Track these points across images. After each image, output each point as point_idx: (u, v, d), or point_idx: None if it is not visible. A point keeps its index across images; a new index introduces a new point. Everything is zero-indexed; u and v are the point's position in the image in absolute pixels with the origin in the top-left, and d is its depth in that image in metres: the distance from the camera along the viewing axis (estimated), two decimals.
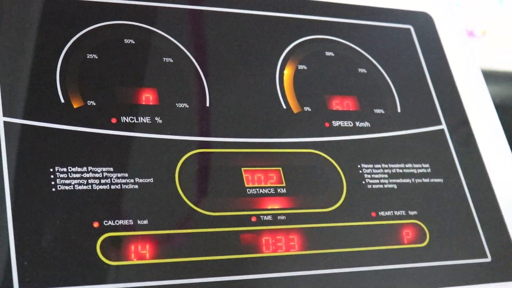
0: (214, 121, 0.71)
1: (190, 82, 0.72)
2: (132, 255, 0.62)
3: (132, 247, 0.62)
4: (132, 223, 0.63)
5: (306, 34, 0.79)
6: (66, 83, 0.66)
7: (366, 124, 0.77)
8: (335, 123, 0.76)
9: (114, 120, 0.67)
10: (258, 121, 0.72)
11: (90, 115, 0.66)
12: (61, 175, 0.62)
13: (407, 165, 0.76)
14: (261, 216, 0.68)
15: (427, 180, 0.77)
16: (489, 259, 0.75)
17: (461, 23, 0.89)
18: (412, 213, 0.74)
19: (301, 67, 0.77)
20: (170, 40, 0.73)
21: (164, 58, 0.72)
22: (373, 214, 0.72)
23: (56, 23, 0.69)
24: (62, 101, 0.65)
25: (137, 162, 0.66)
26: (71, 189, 0.62)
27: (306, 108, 0.75)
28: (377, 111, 0.78)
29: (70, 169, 0.63)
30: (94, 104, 0.66)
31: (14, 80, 0.64)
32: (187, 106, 0.70)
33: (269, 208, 0.69)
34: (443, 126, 0.81)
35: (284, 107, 0.74)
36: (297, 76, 0.77)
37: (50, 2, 0.69)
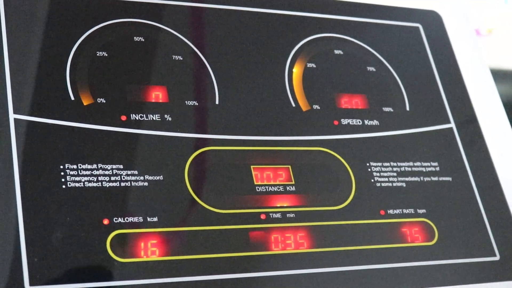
0: (223, 119, 0.71)
1: (200, 80, 0.72)
2: (142, 252, 0.62)
3: (142, 244, 0.62)
4: (142, 220, 0.63)
5: (315, 32, 0.79)
6: (76, 81, 0.66)
7: (375, 122, 0.77)
8: (344, 121, 0.76)
9: (124, 118, 0.67)
10: (267, 119, 0.72)
11: (100, 113, 0.66)
12: (71, 172, 0.62)
13: (415, 164, 0.77)
14: (270, 214, 0.68)
15: (435, 179, 0.77)
16: (497, 258, 0.75)
17: (469, 22, 0.89)
18: (420, 211, 0.74)
19: (310, 65, 0.77)
20: (179, 38, 0.73)
21: (174, 56, 0.72)
22: (382, 212, 0.73)
23: (65, 21, 0.69)
24: (72, 98, 0.66)
25: (146, 159, 0.66)
26: (81, 186, 0.62)
27: (315, 106, 0.75)
28: (386, 109, 0.78)
29: (80, 166, 0.63)
30: (104, 101, 0.67)
31: (24, 78, 0.65)
32: (197, 104, 0.70)
33: (278, 205, 0.69)
34: (452, 124, 0.81)
35: (293, 105, 0.74)
36: (306, 74, 0.77)
37: (59, 0, 0.69)
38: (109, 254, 0.61)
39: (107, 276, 0.60)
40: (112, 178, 0.64)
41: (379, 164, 0.75)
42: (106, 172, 0.64)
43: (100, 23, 0.70)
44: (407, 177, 0.75)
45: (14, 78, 0.64)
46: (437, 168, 0.77)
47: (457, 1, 0.90)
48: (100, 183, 0.63)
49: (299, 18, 0.79)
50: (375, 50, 0.81)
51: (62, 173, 0.62)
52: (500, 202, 0.78)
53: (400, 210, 0.73)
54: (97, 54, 0.69)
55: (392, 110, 0.79)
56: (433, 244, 0.73)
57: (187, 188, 0.66)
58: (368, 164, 0.74)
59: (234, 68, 0.74)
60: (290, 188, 0.70)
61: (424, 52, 0.84)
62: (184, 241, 0.64)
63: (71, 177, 0.62)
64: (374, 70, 0.80)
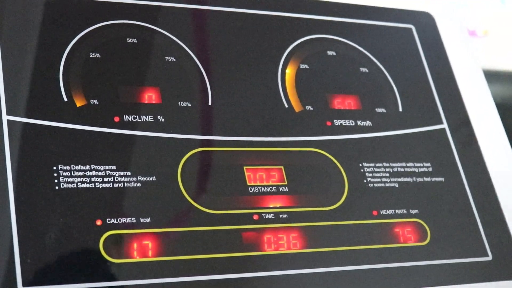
0: (216, 119, 0.71)
1: (193, 81, 0.72)
2: (135, 253, 0.62)
3: (135, 245, 0.62)
4: (135, 221, 0.63)
5: (308, 34, 0.80)
6: (69, 82, 0.67)
7: (368, 123, 0.77)
8: (337, 122, 0.76)
9: (117, 119, 0.67)
10: (260, 120, 0.72)
11: (93, 114, 0.66)
12: (64, 173, 0.63)
13: (408, 164, 0.77)
14: (263, 215, 0.68)
15: (428, 179, 0.77)
16: (490, 258, 0.75)
17: (462, 23, 0.90)
18: (413, 211, 0.74)
19: (303, 66, 0.78)
20: (172, 39, 0.73)
21: (167, 57, 0.72)
22: (375, 212, 0.73)
23: (59, 22, 0.69)
24: (65, 100, 0.66)
25: (139, 160, 0.66)
26: (74, 187, 0.62)
27: (308, 107, 0.75)
28: (379, 110, 0.79)
29: (73, 167, 0.63)
30: (97, 102, 0.67)
31: (18, 79, 0.65)
32: (190, 105, 0.70)
33: (271, 206, 0.69)
34: (445, 125, 0.81)
35: (286, 106, 0.74)
36: (299, 75, 0.77)
37: (53, 1, 0.69)
38: (102, 255, 0.61)
39: (100, 276, 0.60)
40: (105, 179, 0.64)
41: (372, 164, 0.75)
42: (99, 173, 0.64)
43: (93, 25, 0.70)
44: (400, 177, 0.76)
45: (8, 80, 0.64)
46: (430, 169, 0.78)
47: (450, 2, 0.90)
48: (93, 184, 0.63)
49: (292, 19, 0.79)
50: (368, 51, 0.82)
51: (55, 174, 0.62)
52: (493, 202, 0.78)
53: (393, 210, 0.74)
54: (90, 56, 0.69)
55: (384, 111, 0.79)
56: (426, 244, 0.73)
57: (180, 189, 0.66)
58: (360, 165, 0.75)
59: (227, 69, 0.74)
60: (282, 188, 0.70)
61: (417, 53, 0.84)
62: (177, 242, 0.64)
63: (64, 178, 0.62)
64: (367, 71, 0.81)
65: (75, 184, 0.63)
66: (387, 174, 0.75)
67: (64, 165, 0.63)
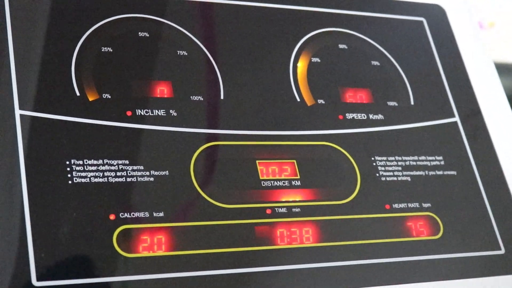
0: (228, 114, 0.71)
1: (204, 75, 0.72)
2: (148, 247, 0.62)
3: (148, 239, 0.62)
4: (148, 215, 0.63)
5: (319, 27, 0.79)
6: (82, 76, 0.66)
7: (380, 116, 0.77)
8: (349, 116, 0.76)
9: (129, 113, 0.67)
10: (272, 113, 0.72)
11: (106, 108, 0.66)
12: (77, 168, 0.63)
13: (420, 158, 0.77)
14: (276, 209, 0.68)
15: (440, 173, 0.77)
16: (502, 251, 0.75)
17: (473, 15, 0.89)
18: (425, 205, 0.74)
19: (314, 59, 0.77)
20: (184, 33, 0.73)
21: (178, 51, 0.72)
22: (387, 206, 0.73)
23: (70, 16, 0.69)
24: (78, 94, 0.66)
25: (152, 154, 0.66)
26: (87, 182, 0.62)
27: (320, 101, 0.75)
28: (391, 103, 0.79)
29: (86, 161, 0.63)
30: (109, 97, 0.67)
31: (30, 74, 0.65)
32: (202, 99, 0.70)
33: (283, 200, 0.69)
34: (456, 118, 0.81)
35: (298, 99, 0.74)
36: (311, 68, 0.77)
37: None
38: (115, 249, 0.61)
39: (113, 271, 0.60)
40: (118, 174, 0.64)
41: (384, 158, 0.75)
42: (112, 168, 0.64)
43: (105, 19, 0.70)
44: (412, 171, 0.76)
45: (20, 74, 0.64)
46: (442, 162, 0.77)
47: None
48: (106, 178, 0.63)
49: (303, 12, 0.79)
50: (379, 44, 0.81)
51: (68, 169, 0.62)
52: (505, 195, 0.78)
53: (405, 204, 0.73)
54: (102, 50, 0.69)
55: (396, 104, 0.79)
56: (438, 238, 0.73)
57: (193, 183, 0.66)
58: (373, 159, 0.74)
59: (239, 63, 0.74)
60: (295, 182, 0.70)
61: (428, 46, 0.84)
62: (190, 236, 0.64)
63: (77, 173, 0.62)
64: (378, 64, 0.80)
65: (88, 179, 0.63)
66: (399, 168, 0.75)
67: (77, 160, 0.63)
